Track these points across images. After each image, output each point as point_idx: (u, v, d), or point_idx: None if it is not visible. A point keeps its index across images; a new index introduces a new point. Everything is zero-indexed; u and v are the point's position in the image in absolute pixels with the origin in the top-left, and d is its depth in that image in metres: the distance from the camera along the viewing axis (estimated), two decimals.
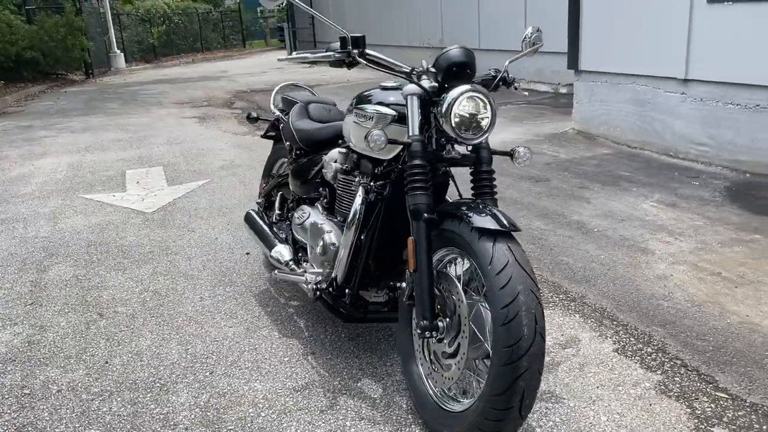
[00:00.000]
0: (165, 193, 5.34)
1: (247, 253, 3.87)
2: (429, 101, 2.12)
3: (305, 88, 3.64)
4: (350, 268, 2.41)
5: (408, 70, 2.21)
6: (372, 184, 2.37)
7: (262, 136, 3.70)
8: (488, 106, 2.06)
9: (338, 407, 2.32)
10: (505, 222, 1.89)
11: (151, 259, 3.85)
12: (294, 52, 2.44)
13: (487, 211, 1.95)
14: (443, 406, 2.07)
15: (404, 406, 2.30)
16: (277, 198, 3.22)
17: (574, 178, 4.97)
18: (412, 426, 2.19)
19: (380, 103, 2.29)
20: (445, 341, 2.02)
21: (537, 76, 9.37)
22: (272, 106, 3.46)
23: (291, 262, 2.84)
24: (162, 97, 12.19)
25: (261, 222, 3.28)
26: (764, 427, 2.09)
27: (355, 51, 2.18)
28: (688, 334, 2.69)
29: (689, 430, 2.10)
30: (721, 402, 2.24)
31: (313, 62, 2.33)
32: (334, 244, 2.47)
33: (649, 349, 2.59)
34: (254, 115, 3.63)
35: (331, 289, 2.46)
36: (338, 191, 2.59)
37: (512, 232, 1.90)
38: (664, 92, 5.50)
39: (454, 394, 2.11)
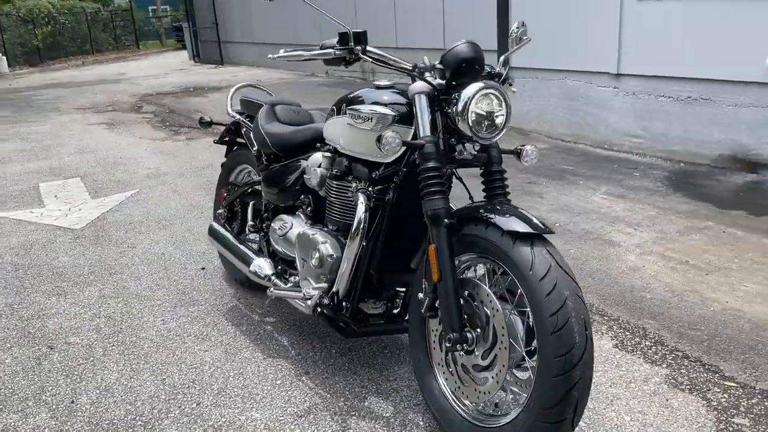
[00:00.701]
0: (90, 206, 4.92)
1: (203, 268, 3.60)
2: (436, 99, 2.01)
3: (262, 88, 3.42)
4: (352, 280, 2.25)
5: (410, 67, 2.09)
6: (370, 189, 2.22)
7: (216, 142, 3.44)
8: (503, 103, 1.98)
9: (351, 431, 2.15)
10: (538, 224, 1.80)
11: (94, 281, 3.50)
12: (282, 50, 2.25)
13: (515, 213, 1.86)
14: (476, 423, 1.95)
15: (422, 423, 2.17)
16: (249, 208, 2.99)
17: (520, 173, 5.00)
18: None
19: (376, 103, 2.15)
20: (476, 353, 1.91)
21: None
22: (229, 109, 3.22)
23: (273, 277, 2.64)
24: (60, 102, 11.35)
25: (229, 235, 3.04)
26: None
27: (359, 48, 2.04)
28: (680, 324, 2.72)
29: (712, 423, 2.10)
30: (733, 391, 2.26)
31: (308, 60, 2.16)
32: (331, 256, 2.30)
33: (648, 343, 2.60)
34: (207, 119, 3.37)
35: (331, 303, 2.28)
36: (329, 198, 2.42)
37: (545, 235, 1.81)
38: (597, 87, 5.66)
39: (483, 407, 2.01)
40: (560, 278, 1.71)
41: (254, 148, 2.94)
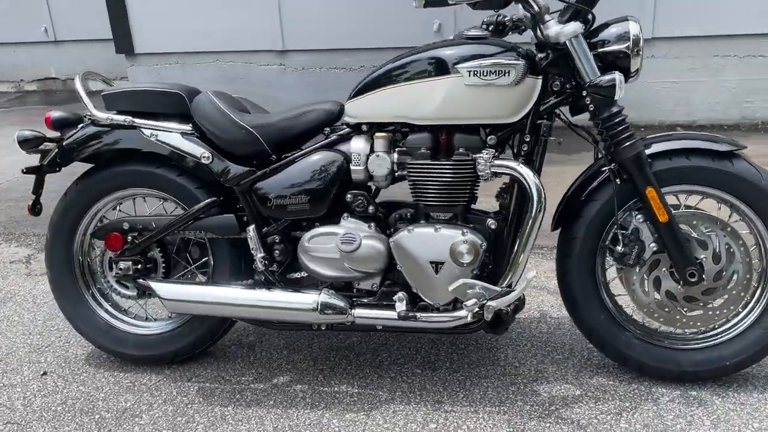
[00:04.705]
0: None
1: (44, 374, 2.28)
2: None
3: (107, 80, 2.31)
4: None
5: (536, 11, 1.89)
6: (496, 153, 1.93)
7: (34, 169, 2.16)
8: None
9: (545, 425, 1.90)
10: (732, 140, 1.93)
11: None
12: None
13: (701, 137, 1.94)
14: (707, 345, 2.00)
15: (604, 381, 2.05)
16: (253, 238, 1.99)
17: None
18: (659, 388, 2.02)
19: (483, 56, 1.87)
20: (705, 280, 1.92)
21: None
22: (94, 110, 2.10)
23: (345, 307, 1.97)
24: None
25: (213, 285, 2.04)
26: None
27: None
28: None
29: None
30: None
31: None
32: (481, 245, 1.90)
33: None
34: (33, 133, 2.12)
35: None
36: (426, 185, 1.92)
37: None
38: (258, 66, 5.51)
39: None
40: None
41: (204, 156, 2.05)
